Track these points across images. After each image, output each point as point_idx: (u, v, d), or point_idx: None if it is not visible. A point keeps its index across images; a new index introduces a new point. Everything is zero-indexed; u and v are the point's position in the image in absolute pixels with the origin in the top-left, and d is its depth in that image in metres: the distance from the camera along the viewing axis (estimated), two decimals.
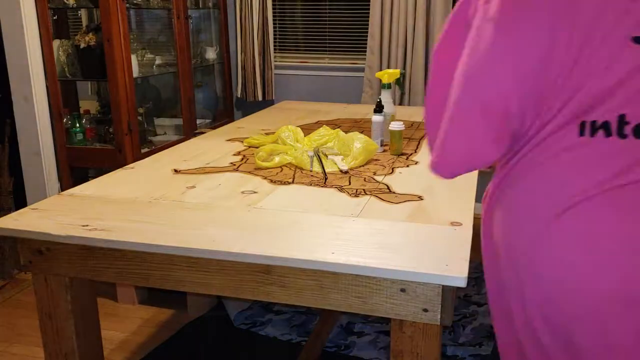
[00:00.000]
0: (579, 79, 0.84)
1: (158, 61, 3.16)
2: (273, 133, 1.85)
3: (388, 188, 1.42)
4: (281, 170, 1.59)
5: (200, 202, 1.32)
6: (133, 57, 2.72)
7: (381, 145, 1.78)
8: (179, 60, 3.10)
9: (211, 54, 3.53)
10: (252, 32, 3.48)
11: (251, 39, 3.50)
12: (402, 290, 0.99)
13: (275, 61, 3.63)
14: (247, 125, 2.23)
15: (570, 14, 0.83)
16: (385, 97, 1.95)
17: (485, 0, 0.89)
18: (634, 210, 0.83)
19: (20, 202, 2.81)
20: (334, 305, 1.04)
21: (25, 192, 2.84)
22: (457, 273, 0.95)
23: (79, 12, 3.17)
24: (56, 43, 2.73)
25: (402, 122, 1.77)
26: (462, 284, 0.94)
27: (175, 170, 1.58)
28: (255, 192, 1.39)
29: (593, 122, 0.84)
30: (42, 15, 2.63)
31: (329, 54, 3.66)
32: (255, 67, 3.54)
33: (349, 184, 1.45)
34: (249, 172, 1.57)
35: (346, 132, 1.79)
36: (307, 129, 1.89)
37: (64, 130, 2.78)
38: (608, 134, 0.84)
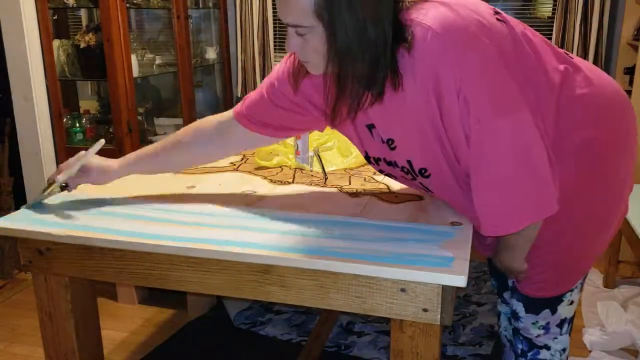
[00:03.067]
0: None
1: (158, 61, 3.16)
2: None
3: (388, 188, 1.42)
4: (281, 170, 1.59)
5: (201, 202, 1.32)
6: (133, 57, 2.72)
7: None
8: (179, 60, 3.10)
9: (211, 54, 3.53)
10: (252, 32, 3.49)
11: (251, 39, 3.50)
12: (402, 290, 0.99)
13: (275, 61, 3.63)
14: None
15: None
16: None
17: None
18: None
19: (20, 202, 2.81)
20: (334, 305, 1.04)
21: (25, 192, 2.84)
22: (457, 273, 0.95)
23: (79, 12, 3.17)
24: (56, 43, 2.73)
25: None
26: (462, 284, 0.94)
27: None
28: (255, 192, 1.39)
29: None
30: (42, 15, 2.63)
31: None
32: (255, 67, 3.54)
33: (349, 184, 1.45)
34: (249, 172, 1.57)
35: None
36: None
37: (64, 130, 2.79)
38: None
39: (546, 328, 1.30)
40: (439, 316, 0.99)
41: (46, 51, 2.68)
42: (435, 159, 1.11)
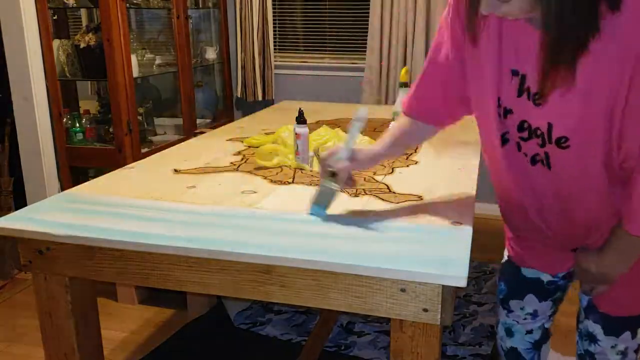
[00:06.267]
0: None
1: (158, 61, 3.16)
2: (273, 133, 1.85)
3: (388, 188, 1.42)
4: (281, 170, 1.59)
5: (201, 202, 1.32)
6: (133, 57, 2.72)
7: None
8: (179, 60, 3.10)
9: (211, 53, 3.53)
10: (252, 32, 3.49)
11: (251, 38, 3.50)
12: (402, 290, 0.99)
13: (275, 61, 3.63)
14: (247, 125, 2.23)
15: None
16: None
17: None
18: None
19: (20, 202, 2.81)
20: (334, 305, 1.04)
21: (25, 192, 2.84)
22: (457, 273, 0.95)
23: (79, 12, 3.17)
24: (56, 43, 2.73)
25: None
26: (462, 284, 0.94)
27: (175, 170, 1.58)
28: (255, 192, 1.39)
29: None
30: (42, 15, 2.63)
31: (328, 54, 3.66)
32: (255, 67, 3.54)
33: None
34: (249, 172, 1.57)
35: (346, 132, 1.78)
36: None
37: (64, 130, 2.79)
38: None
39: (624, 354, 1.23)
40: (439, 316, 0.99)
41: (46, 51, 2.67)
42: (591, 129, 1.00)
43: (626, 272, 1.11)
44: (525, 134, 1.09)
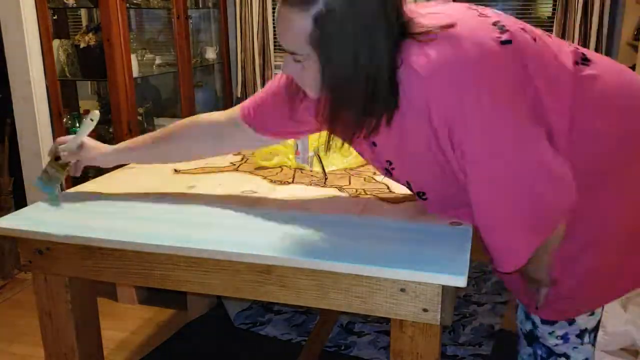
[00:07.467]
0: None
1: (158, 61, 3.16)
2: None
3: (388, 188, 1.42)
4: (281, 170, 1.59)
5: (201, 202, 1.32)
6: (133, 57, 2.72)
7: None
8: (179, 60, 3.10)
9: (211, 54, 3.53)
10: (252, 32, 3.49)
11: (251, 39, 3.50)
12: (402, 290, 0.99)
13: (275, 61, 3.63)
14: None
15: None
16: None
17: None
18: None
19: (20, 202, 2.81)
20: (334, 305, 1.04)
21: (25, 192, 2.84)
22: (457, 273, 0.95)
23: (79, 12, 3.17)
24: (56, 43, 2.73)
25: None
26: (462, 284, 0.94)
27: (175, 170, 1.58)
28: (255, 192, 1.39)
29: None
30: (42, 15, 2.63)
31: None
32: (255, 67, 3.54)
33: (349, 184, 1.45)
34: (249, 172, 1.57)
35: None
36: None
37: (64, 130, 2.78)
38: None
39: (565, 338, 1.24)
40: (439, 316, 0.99)
41: (46, 51, 2.67)
42: (434, 181, 1.11)
43: (546, 277, 1.15)
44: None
